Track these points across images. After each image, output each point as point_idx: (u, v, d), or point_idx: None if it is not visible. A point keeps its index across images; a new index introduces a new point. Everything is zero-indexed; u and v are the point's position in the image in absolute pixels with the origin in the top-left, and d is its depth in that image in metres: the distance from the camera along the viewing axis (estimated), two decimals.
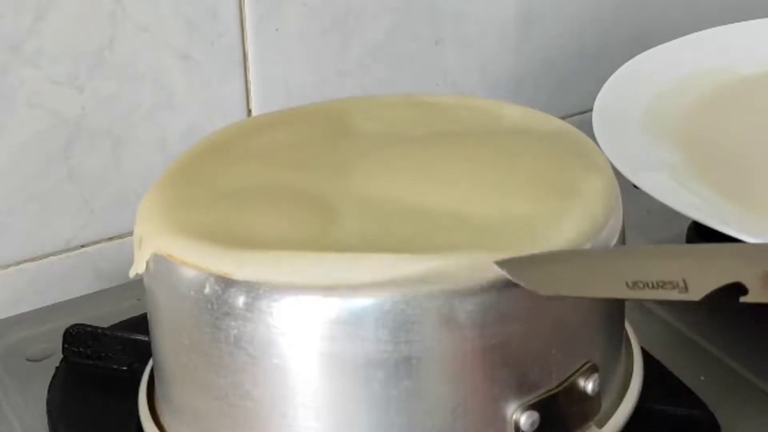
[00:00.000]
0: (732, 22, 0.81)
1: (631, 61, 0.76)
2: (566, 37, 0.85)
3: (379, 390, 0.45)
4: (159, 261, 0.48)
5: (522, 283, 0.44)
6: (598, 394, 0.49)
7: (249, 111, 0.74)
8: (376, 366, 0.45)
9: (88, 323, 0.60)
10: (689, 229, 0.69)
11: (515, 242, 0.46)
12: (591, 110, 0.70)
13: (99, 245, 0.72)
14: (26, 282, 0.70)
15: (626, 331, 0.54)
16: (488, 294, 0.45)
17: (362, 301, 0.44)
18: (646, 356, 0.55)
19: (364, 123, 0.57)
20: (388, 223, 0.48)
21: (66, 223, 0.70)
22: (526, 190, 0.50)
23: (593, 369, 0.48)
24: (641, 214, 0.71)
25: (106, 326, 0.61)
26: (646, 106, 0.73)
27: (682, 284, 0.43)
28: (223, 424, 0.48)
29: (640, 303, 0.55)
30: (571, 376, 0.48)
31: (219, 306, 0.46)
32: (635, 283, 0.43)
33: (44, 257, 0.70)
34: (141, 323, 0.54)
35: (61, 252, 0.71)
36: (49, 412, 0.57)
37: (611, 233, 0.49)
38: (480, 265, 0.45)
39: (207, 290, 0.46)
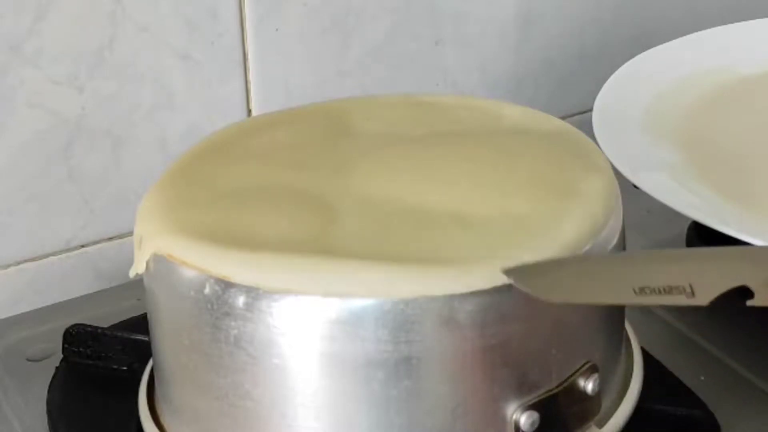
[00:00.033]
0: (732, 22, 0.81)
1: (631, 61, 0.76)
2: (566, 37, 0.85)
3: (379, 390, 0.45)
4: (159, 261, 0.48)
5: (529, 291, 0.44)
6: (598, 394, 0.49)
7: (249, 111, 0.74)
8: (376, 366, 0.45)
9: (88, 323, 0.60)
10: (689, 229, 0.69)
11: (515, 242, 0.46)
12: (591, 110, 0.70)
13: (99, 245, 0.72)
14: (26, 282, 0.70)
15: (626, 331, 0.54)
16: (488, 294, 0.45)
17: (362, 301, 0.44)
18: (646, 356, 0.55)
19: (364, 123, 0.57)
20: (388, 223, 0.48)
21: (66, 223, 0.70)
22: (526, 190, 0.50)
23: (593, 369, 0.48)
24: (641, 214, 0.71)
25: (106, 326, 0.61)
26: (646, 106, 0.73)
27: (688, 289, 0.43)
28: (223, 424, 0.48)
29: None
30: (571, 376, 0.48)
31: (219, 306, 0.46)
32: (642, 289, 0.43)
33: (44, 257, 0.70)
34: (141, 323, 0.54)
35: (61, 252, 0.71)
36: (49, 412, 0.57)
37: (611, 233, 0.49)
38: (480, 268, 0.45)
39: (207, 290, 0.46)
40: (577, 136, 0.55)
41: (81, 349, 0.59)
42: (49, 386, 0.58)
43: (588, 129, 0.62)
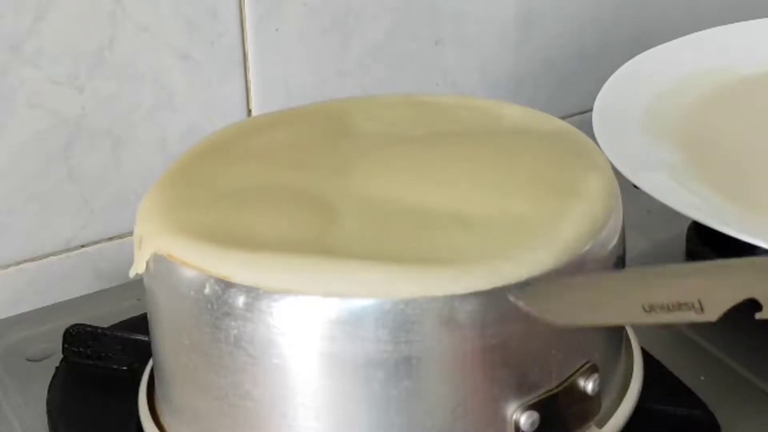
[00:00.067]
0: (732, 22, 0.81)
1: (631, 61, 0.76)
2: (566, 37, 0.85)
3: (379, 390, 0.45)
4: (159, 261, 0.48)
5: (539, 315, 0.44)
6: (598, 394, 0.49)
7: (249, 111, 0.74)
8: (376, 366, 0.45)
9: (88, 323, 0.60)
10: (689, 229, 0.69)
11: (515, 242, 0.46)
12: (591, 110, 0.70)
13: (99, 245, 0.72)
14: (26, 282, 0.70)
15: (626, 331, 0.54)
16: (488, 294, 0.45)
17: (362, 301, 0.44)
18: (646, 356, 0.55)
19: (364, 123, 0.57)
20: (388, 223, 0.48)
21: (66, 223, 0.70)
22: (526, 190, 0.50)
23: (593, 369, 0.48)
24: (641, 214, 0.71)
25: (106, 326, 0.61)
26: (646, 106, 0.73)
27: (697, 305, 0.43)
28: (223, 424, 0.48)
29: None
30: (571, 376, 0.48)
31: (219, 306, 0.46)
32: (651, 307, 0.43)
33: (44, 257, 0.70)
34: (141, 323, 0.54)
35: (61, 252, 0.71)
36: (49, 412, 0.57)
37: (611, 233, 0.49)
38: (480, 268, 0.45)
39: (207, 290, 0.46)
40: (577, 136, 0.55)
41: (81, 349, 0.59)
42: (49, 386, 0.58)
43: (588, 129, 0.62)
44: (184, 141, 0.71)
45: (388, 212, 0.49)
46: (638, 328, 0.56)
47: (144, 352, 0.55)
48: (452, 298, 0.44)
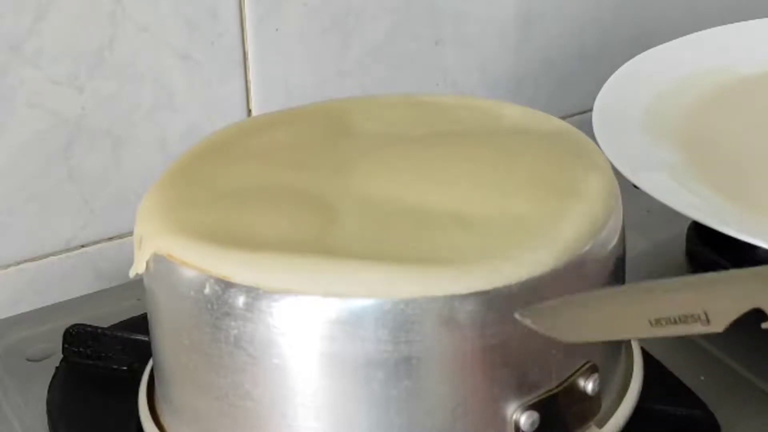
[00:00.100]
0: (732, 22, 0.81)
1: (631, 61, 0.76)
2: (566, 37, 0.85)
3: (379, 390, 0.45)
4: (159, 261, 0.48)
5: (546, 333, 0.44)
6: (598, 394, 0.49)
7: (249, 111, 0.74)
8: (376, 366, 0.45)
9: (88, 323, 0.60)
10: (689, 229, 0.69)
11: (515, 242, 0.46)
12: (591, 110, 0.70)
13: (99, 245, 0.72)
14: (26, 282, 0.70)
15: None
16: (488, 294, 0.45)
17: (362, 301, 0.44)
18: (646, 356, 0.55)
19: (364, 123, 0.57)
20: (388, 223, 0.48)
21: (66, 223, 0.70)
22: (526, 190, 0.50)
23: (593, 369, 0.48)
24: (641, 214, 0.71)
25: (106, 326, 0.61)
26: (646, 106, 0.73)
27: (703, 316, 0.43)
28: (223, 424, 0.48)
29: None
30: (571, 376, 0.48)
31: (219, 306, 0.46)
32: (657, 321, 0.43)
33: (44, 257, 0.70)
34: (141, 323, 0.54)
35: (61, 252, 0.71)
36: (49, 412, 0.57)
37: (611, 233, 0.49)
38: (480, 268, 0.45)
39: (207, 290, 0.46)
40: (577, 136, 0.55)
41: (81, 349, 0.59)
42: (49, 386, 0.58)
43: (588, 129, 0.62)
44: (184, 141, 0.71)
45: (388, 212, 0.49)
46: None
47: (144, 352, 0.55)
48: (452, 298, 0.44)
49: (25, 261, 0.70)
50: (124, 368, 0.58)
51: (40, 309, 0.68)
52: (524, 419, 0.46)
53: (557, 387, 0.47)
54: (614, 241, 0.50)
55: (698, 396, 0.55)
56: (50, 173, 0.69)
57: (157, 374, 0.53)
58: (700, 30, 0.80)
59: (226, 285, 0.46)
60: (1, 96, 0.66)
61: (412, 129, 0.56)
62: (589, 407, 0.49)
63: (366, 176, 0.52)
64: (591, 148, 0.55)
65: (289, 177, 0.52)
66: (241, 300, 0.45)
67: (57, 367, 0.60)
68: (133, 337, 0.59)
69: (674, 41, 0.79)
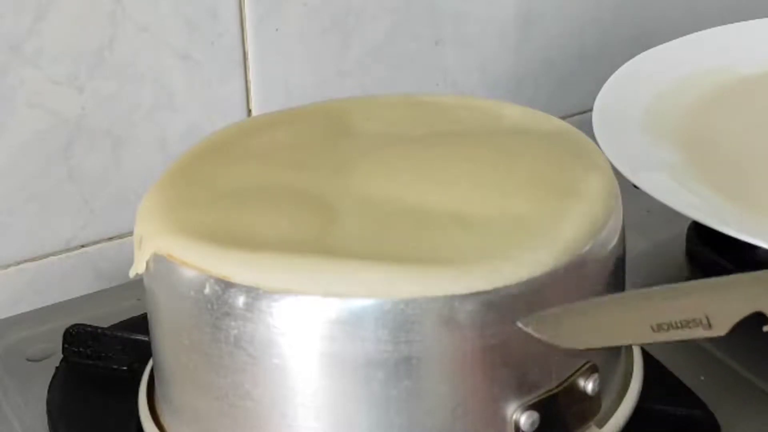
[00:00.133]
0: (732, 22, 0.81)
1: (631, 61, 0.76)
2: (566, 37, 0.85)
3: (379, 390, 0.45)
4: (159, 261, 0.48)
5: (549, 341, 0.44)
6: (598, 394, 0.49)
7: (249, 111, 0.74)
8: (376, 366, 0.45)
9: (88, 323, 0.60)
10: (689, 229, 0.69)
11: (515, 242, 0.46)
12: (591, 110, 0.71)
13: (99, 245, 0.72)
14: (26, 282, 0.70)
15: None
16: (488, 294, 0.45)
17: (362, 301, 0.44)
18: (646, 356, 0.55)
19: (364, 123, 0.57)
20: (388, 223, 0.48)
21: (66, 223, 0.70)
22: (526, 190, 0.50)
23: (593, 369, 0.48)
24: (641, 214, 0.71)
25: (106, 326, 0.61)
26: (646, 106, 0.73)
27: (705, 321, 0.43)
28: (223, 424, 0.48)
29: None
30: (571, 376, 0.48)
31: (219, 306, 0.46)
32: (660, 326, 0.44)
33: (44, 257, 0.70)
34: (141, 323, 0.54)
35: (61, 252, 0.71)
36: (49, 412, 0.57)
37: (611, 233, 0.49)
38: (480, 268, 0.45)
39: (207, 290, 0.46)
40: (577, 136, 0.55)
41: (81, 349, 0.59)
42: (49, 386, 0.58)
43: (588, 129, 0.62)
44: (184, 141, 0.71)
45: (388, 212, 0.49)
46: None
47: (144, 352, 0.55)
48: (452, 298, 0.44)
49: (25, 261, 0.70)
50: (124, 368, 0.58)
51: (40, 309, 0.68)
52: (524, 419, 0.46)
53: (557, 387, 0.47)
54: (614, 241, 0.50)
55: (698, 396, 0.55)
56: (50, 173, 0.69)
57: (157, 374, 0.53)
58: (700, 30, 0.80)
59: (226, 285, 0.46)
60: (1, 96, 0.66)
61: (412, 129, 0.56)
62: (589, 407, 0.49)
63: (366, 176, 0.52)
64: (591, 148, 0.55)
65: (289, 177, 0.52)
66: (241, 300, 0.45)
67: (57, 367, 0.60)
68: (133, 337, 0.59)
69: (674, 41, 0.79)
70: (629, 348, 0.54)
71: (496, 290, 0.45)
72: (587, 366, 0.48)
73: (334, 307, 0.45)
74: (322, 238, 0.47)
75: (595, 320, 0.45)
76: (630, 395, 0.52)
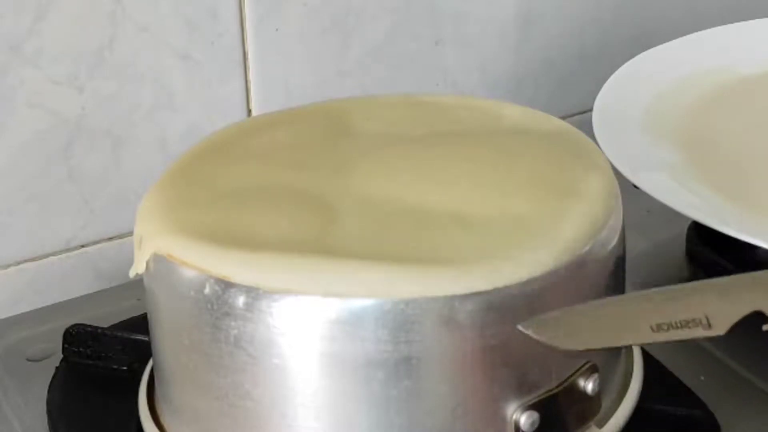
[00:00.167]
0: (732, 22, 0.81)
1: (631, 61, 0.76)
2: (566, 37, 0.85)
3: (379, 390, 0.45)
4: (159, 261, 0.48)
5: (550, 343, 0.45)
6: (598, 394, 0.49)
7: (249, 111, 0.74)
8: (376, 366, 0.45)
9: (88, 323, 0.60)
10: (689, 229, 0.69)
11: (515, 242, 0.46)
12: (591, 110, 0.71)
13: (99, 245, 0.72)
14: (26, 282, 0.70)
15: None
16: (488, 294, 0.45)
17: (362, 301, 0.44)
18: (646, 356, 0.55)
19: (364, 123, 0.57)
20: (388, 223, 0.48)
21: (66, 223, 0.70)
22: (526, 190, 0.50)
23: (593, 369, 0.48)
24: (641, 214, 0.71)
25: (106, 326, 0.61)
26: (646, 106, 0.73)
27: (705, 321, 0.43)
28: (223, 424, 0.48)
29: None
30: (571, 376, 0.48)
31: (219, 306, 0.46)
32: (659, 326, 0.44)
33: (44, 257, 0.70)
34: (141, 323, 0.54)
35: (61, 252, 0.71)
36: (49, 412, 0.57)
37: (611, 233, 0.49)
38: (480, 268, 0.45)
39: (207, 290, 0.46)
40: (577, 136, 0.55)
41: (81, 349, 0.59)
42: (49, 386, 0.58)
43: (588, 129, 0.62)
44: (184, 141, 0.71)
45: (388, 212, 0.49)
46: None
47: (144, 352, 0.55)
48: (452, 298, 0.44)
49: (25, 261, 0.70)
50: (124, 368, 0.58)
51: (40, 309, 0.68)
52: (524, 419, 0.46)
53: (557, 387, 0.47)
54: (614, 241, 0.50)
55: (698, 396, 0.55)
56: (50, 173, 0.69)
57: (157, 374, 0.53)
58: (700, 30, 0.80)
59: (226, 285, 0.46)
60: (1, 96, 0.66)
61: (412, 129, 0.56)
62: (589, 407, 0.49)
63: (366, 176, 0.52)
64: (591, 148, 0.55)
65: (289, 177, 0.52)
66: (241, 300, 0.45)
67: (57, 367, 0.60)
68: (133, 337, 0.59)
69: (674, 41, 0.79)
70: (629, 348, 0.54)
71: (496, 290, 0.45)
72: (587, 366, 0.48)
73: (334, 307, 0.45)
74: (322, 238, 0.47)
75: (595, 322, 0.45)
76: (630, 395, 0.52)
